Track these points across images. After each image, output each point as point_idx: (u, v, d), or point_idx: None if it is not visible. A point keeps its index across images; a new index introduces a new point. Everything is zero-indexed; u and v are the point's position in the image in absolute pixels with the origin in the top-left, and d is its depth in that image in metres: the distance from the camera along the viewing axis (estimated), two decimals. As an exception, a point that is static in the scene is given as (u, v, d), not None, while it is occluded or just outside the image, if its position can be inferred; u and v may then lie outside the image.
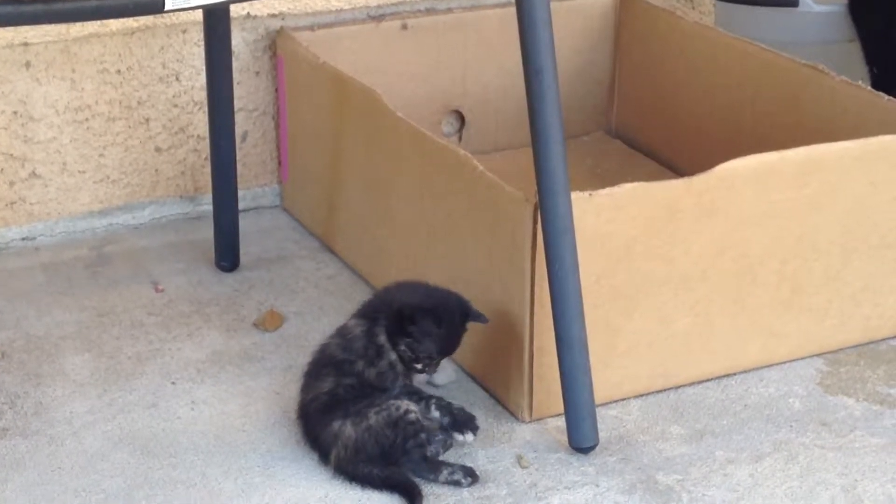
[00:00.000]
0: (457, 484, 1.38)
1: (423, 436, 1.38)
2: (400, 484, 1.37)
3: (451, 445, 1.41)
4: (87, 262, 1.87)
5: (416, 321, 1.41)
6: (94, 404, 1.52)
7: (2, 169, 1.88)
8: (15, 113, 1.86)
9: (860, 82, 1.77)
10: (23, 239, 1.91)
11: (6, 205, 1.89)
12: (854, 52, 2.05)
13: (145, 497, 1.36)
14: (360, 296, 1.77)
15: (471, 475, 1.39)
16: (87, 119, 1.91)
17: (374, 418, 1.38)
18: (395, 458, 1.38)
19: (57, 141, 1.90)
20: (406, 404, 1.39)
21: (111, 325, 1.70)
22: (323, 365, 1.43)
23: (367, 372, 1.41)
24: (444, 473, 1.38)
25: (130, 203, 1.97)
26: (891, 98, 1.70)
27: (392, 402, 1.39)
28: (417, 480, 1.38)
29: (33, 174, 1.90)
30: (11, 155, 1.88)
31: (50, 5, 1.15)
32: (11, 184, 1.89)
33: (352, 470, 1.38)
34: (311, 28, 1.96)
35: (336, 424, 1.38)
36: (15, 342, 1.66)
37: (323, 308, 1.75)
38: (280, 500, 1.37)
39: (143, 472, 1.41)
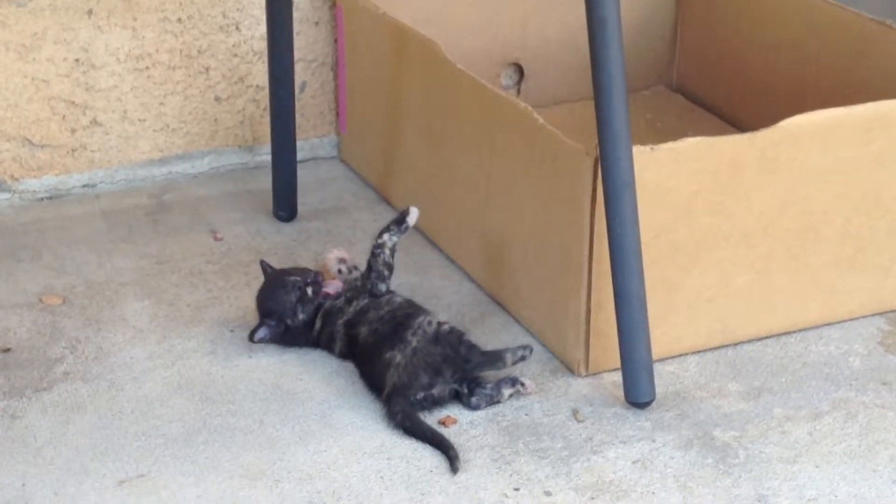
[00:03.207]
0: (523, 359, 1.45)
1: (466, 337, 1.45)
2: (439, 441, 1.38)
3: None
4: (147, 209, 1.88)
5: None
6: (153, 350, 1.54)
7: (63, 116, 1.89)
8: (77, 60, 1.88)
9: (929, 37, 1.74)
10: (83, 186, 1.93)
11: (67, 152, 1.91)
12: (923, 7, 2.01)
13: (204, 442, 1.38)
14: (416, 247, 1.78)
15: (528, 348, 1.45)
16: (147, 67, 1.91)
17: (415, 341, 1.42)
18: (457, 369, 1.43)
19: (118, 89, 1.91)
20: (432, 315, 1.46)
21: (170, 272, 1.72)
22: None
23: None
24: (508, 356, 1.45)
25: (190, 152, 1.98)
26: (961, 54, 1.66)
27: (419, 319, 1.45)
28: (484, 391, 1.44)
29: (94, 122, 1.91)
30: (73, 102, 1.89)
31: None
32: (73, 131, 1.91)
33: (401, 409, 1.41)
34: (371, -22, 1.95)
35: (387, 355, 1.44)
36: (76, 288, 1.68)
37: (379, 259, 1.75)
38: (336, 448, 1.38)
39: (202, 417, 1.42)
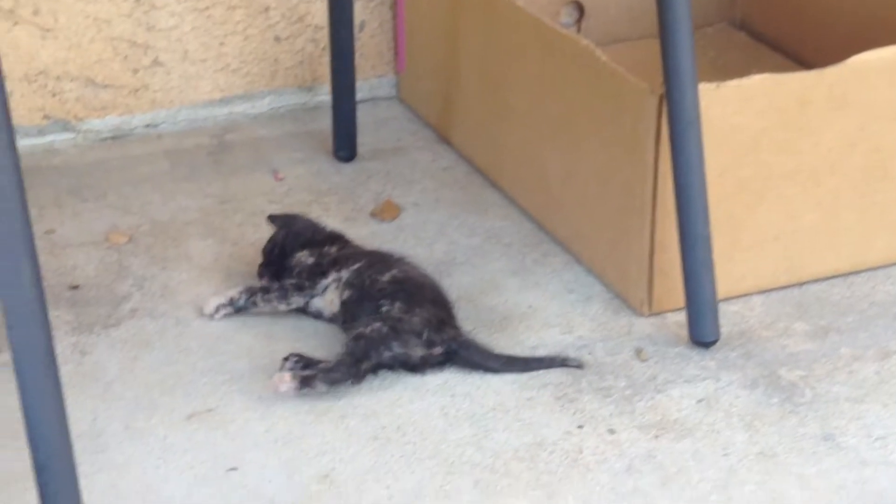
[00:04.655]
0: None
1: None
2: (538, 363, 1.40)
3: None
4: (209, 149, 1.89)
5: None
6: (218, 288, 1.55)
7: (125, 56, 1.90)
8: (137, 0, 1.88)
9: None
10: (146, 126, 1.94)
11: (130, 92, 1.92)
12: None
13: (270, 377, 1.39)
14: (474, 187, 1.78)
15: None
16: (207, 7, 1.91)
17: None
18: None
19: (178, 29, 1.91)
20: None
21: (233, 212, 1.73)
22: None
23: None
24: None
25: (250, 92, 1.98)
26: None
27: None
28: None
29: (156, 62, 1.92)
30: (135, 42, 1.90)
31: None
32: (135, 71, 1.91)
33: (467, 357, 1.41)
34: (430, -85, 1.93)
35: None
36: (141, 227, 1.69)
37: (439, 199, 1.76)
38: (400, 384, 1.39)
39: (267, 354, 1.43)
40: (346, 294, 1.44)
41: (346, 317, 1.43)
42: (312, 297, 1.47)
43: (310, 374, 1.35)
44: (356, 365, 1.36)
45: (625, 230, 1.49)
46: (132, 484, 1.24)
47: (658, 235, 1.46)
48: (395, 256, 1.49)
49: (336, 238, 1.54)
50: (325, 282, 1.47)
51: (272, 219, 1.56)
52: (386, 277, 1.43)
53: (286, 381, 1.34)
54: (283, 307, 1.48)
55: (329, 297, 1.46)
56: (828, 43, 1.90)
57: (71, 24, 1.86)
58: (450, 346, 1.39)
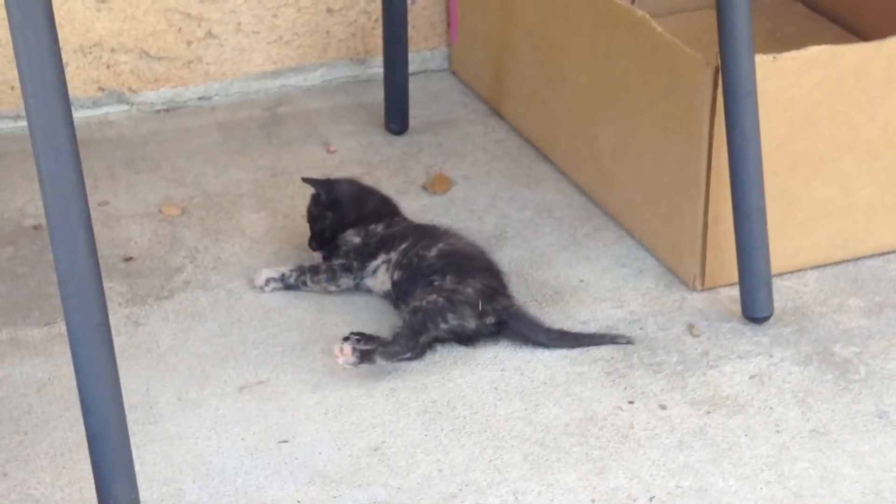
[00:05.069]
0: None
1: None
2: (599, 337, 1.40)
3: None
4: (261, 122, 1.90)
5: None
6: (270, 261, 1.56)
7: (179, 28, 1.91)
8: (191, -27, 1.89)
9: None
10: (199, 98, 1.95)
11: (184, 64, 1.93)
12: None
13: (321, 351, 1.40)
14: (527, 160, 1.77)
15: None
16: (260, -21, 1.92)
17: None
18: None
19: (232, 1, 1.91)
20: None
21: (285, 184, 1.73)
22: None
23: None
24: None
25: (302, 64, 1.98)
26: None
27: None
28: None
29: (209, 34, 1.92)
30: (189, 14, 1.90)
31: None
32: (189, 43, 1.92)
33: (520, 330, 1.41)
34: None
35: None
36: (194, 199, 1.70)
37: (491, 172, 1.75)
38: (450, 358, 1.39)
39: (319, 327, 1.44)
40: (397, 275, 1.44)
41: (399, 295, 1.43)
42: (363, 278, 1.48)
43: (369, 349, 1.35)
44: (414, 338, 1.36)
45: (678, 204, 1.48)
46: (184, 455, 1.26)
47: (712, 209, 1.44)
48: (441, 230, 1.49)
49: (381, 213, 1.53)
50: (374, 263, 1.47)
51: (309, 181, 1.54)
52: (433, 253, 1.43)
53: (346, 353, 1.34)
54: (332, 288, 1.48)
55: (380, 278, 1.46)
56: (886, 14, 1.87)
57: (125, -3, 1.87)
58: (501, 317, 1.39)
